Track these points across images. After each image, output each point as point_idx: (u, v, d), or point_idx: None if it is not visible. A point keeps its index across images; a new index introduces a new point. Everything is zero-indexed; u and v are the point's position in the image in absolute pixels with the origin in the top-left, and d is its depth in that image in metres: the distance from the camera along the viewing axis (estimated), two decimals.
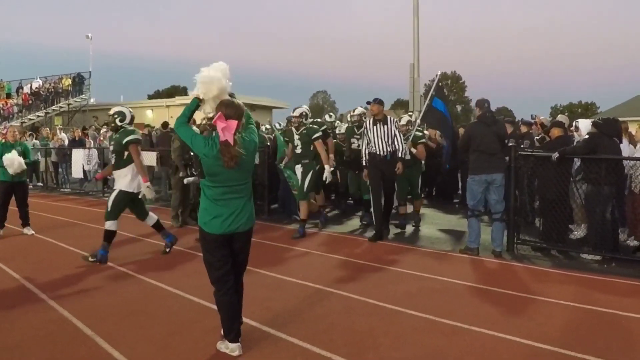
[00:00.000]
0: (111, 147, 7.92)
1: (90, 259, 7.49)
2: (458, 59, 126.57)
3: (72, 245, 8.34)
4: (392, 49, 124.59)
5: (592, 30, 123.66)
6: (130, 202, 7.75)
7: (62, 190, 18.65)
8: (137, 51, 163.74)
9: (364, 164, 9.41)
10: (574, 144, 8.87)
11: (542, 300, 5.93)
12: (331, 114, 14.65)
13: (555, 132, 8.83)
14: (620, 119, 9.06)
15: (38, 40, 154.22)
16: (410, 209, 10.64)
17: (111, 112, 7.97)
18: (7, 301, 6.06)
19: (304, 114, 9.63)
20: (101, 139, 18.46)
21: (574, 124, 10.92)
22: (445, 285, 6.56)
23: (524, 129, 11.83)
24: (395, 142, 9.15)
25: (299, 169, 9.69)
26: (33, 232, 9.89)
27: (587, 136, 8.12)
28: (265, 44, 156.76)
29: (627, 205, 8.47)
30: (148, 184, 7.64)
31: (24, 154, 9.85)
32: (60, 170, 18.92)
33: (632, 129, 10.16)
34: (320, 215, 10.64)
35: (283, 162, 10.59)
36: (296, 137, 9.68)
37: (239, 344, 4.45)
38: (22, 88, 37.33)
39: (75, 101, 37.72)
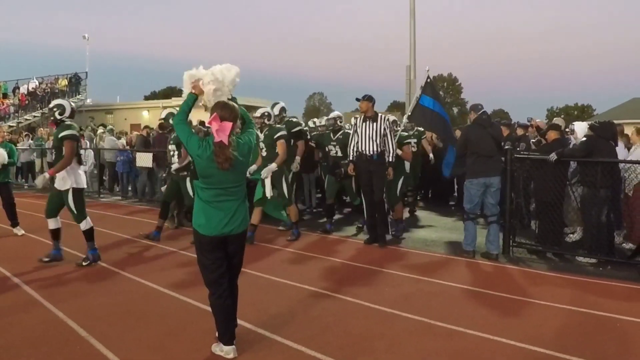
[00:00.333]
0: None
1: (83, 263, 7.47)
2: (454, 61, 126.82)
3: (66, 245, 8.28)
4: (388, 51, 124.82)
5: (588, 32, 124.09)
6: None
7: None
8: (133, 52, 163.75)
9: (350, 159, 9.09)
10: (571, 146, 8.89)
11: (538, 303, 5.93)
12: (315, 120, 13.55)
13: (552, 134, 8.83)
14: (616, 121, 9.09)
15: (35, 40, 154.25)
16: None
17: (51, 104, 8.03)
18: (2, 302, 6.03)
19: (265, 114, 9.21)
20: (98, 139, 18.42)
21: (569, 126, 10.95)
22: (441, 288, 6.55)
23: (520, 131, 11.84)
24: (386, 142, 8.78)
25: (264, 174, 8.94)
26: (23, 232, 9.87)
27: (584, 139, 8.13)
28: (262, 45, 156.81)
29: (623, 208, 8.50)
30: (47, 175, 7.48)
31: (9, 154, 9.87)
32: None
33: (628, 131, 10.16)
34: (294, 229, 9.58)
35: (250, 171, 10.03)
36: (260, 139, 9.11)
37: (233, 346, 4.44)
38: (19, 88, 37.24)
39: (72, 101, 37.45)
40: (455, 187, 14.08)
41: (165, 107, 34.85)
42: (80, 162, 7.71)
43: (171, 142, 9.37)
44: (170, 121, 8.41)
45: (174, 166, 9.31)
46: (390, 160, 8.79)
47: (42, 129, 24.16)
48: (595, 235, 7.69)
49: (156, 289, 6.48)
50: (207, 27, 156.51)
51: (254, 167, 9.00)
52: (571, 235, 8.92)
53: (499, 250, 8.01)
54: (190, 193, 8.72)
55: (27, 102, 35.37)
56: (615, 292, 6.41)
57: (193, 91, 4.52)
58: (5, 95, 37.28)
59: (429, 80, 10.19)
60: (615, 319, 5.43)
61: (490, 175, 7.90)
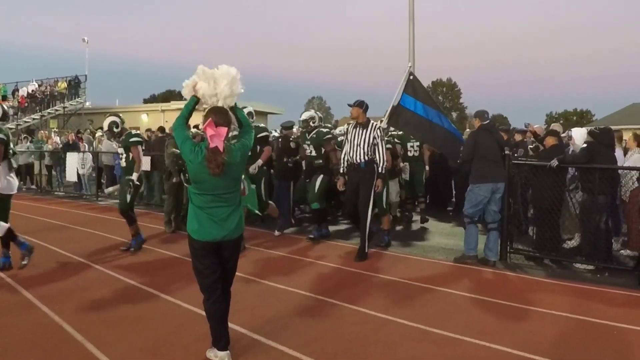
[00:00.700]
0: None
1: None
2: (453, 66, 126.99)
3: (64, 249, 8.30)
4: (387, 55, 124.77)
5: (587, 37, 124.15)
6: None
7: (55, 193, 18.60)
8: (133, 55, 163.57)
9: (341, 171, 8.82)
10: (569, 152, 8.88)
11: (535, 310, 5.91)
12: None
13: (550, 140, 8.82)
14: (615, 126, 9.11)
15: (34, 42, 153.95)
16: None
17: None
18: None
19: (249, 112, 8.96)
20: (97, 142, 18.44)
21: (567, 132, 10.95)
22: (438, 294, 6.54)
23: (518, 137, 11.85)
24: (376, 151, 8.33)
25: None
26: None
27: (584, 145, 8.12)
28: (261, 49, 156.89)
29: (624, 215, 8.49)
30: None
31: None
32: (54, 173, 18.86)
33: (627, 137, 10.15)
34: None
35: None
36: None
37: (228, 351, 4.43)
38: (18, 90, 37.24)
39: (71, 104, 37.68)
40: (453, 192, 14.04)
41: (164, 111, 34.97)
42: (10, 168, 7.49)
43: (120, 145, 8.94)
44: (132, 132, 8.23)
45: (134, 176, 8.66)
46: (380, 171, 8.35)
47: (41, 131, 24.16)
48: (593, 241, 7.67)
49: (152, 293, 6.47)
50: (206, 31, 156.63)
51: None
52: (569, 241, 8.91)
53: (497, 258, 8.00)
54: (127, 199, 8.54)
55: (26, 104, 35.36)
56: (612, 299, 6.40)
57: (195, 94, 4.54)
58: (4, 98, 37.23)
59: (411, 77, 9.53)
60: (613, 327, 5.41)
61: (498, 180, 7.89)
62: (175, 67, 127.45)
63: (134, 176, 8.49)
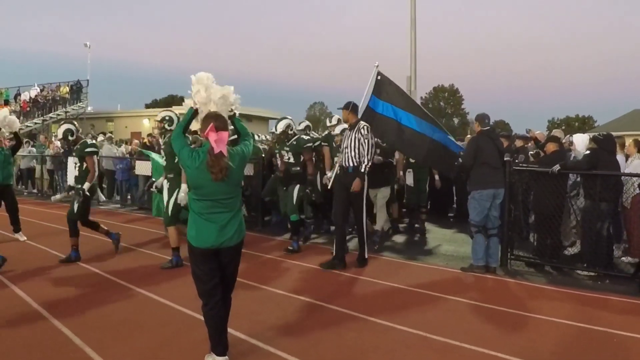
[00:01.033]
0: None
1: None
2: (455, 72, 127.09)
3: (64, 253, 8.28)
4: (389, 61, 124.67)
5: (589, 43, 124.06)
6: None
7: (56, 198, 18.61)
8: (135, 60, 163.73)
9: (329, 173, 8.76)
10: (571, 159, 8.87)
11: (535, 317, 5.89)
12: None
13: (551, 147, 8.80)
14: (617, 133, 9.08)
15: (37, 47, 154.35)
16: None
17: None
18: None
19: (166, 118, 8.45)
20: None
21: (567, 138, 10.93)
22: (437, 301, 6.52)
23: (519, 143, 11.82)
24: (360, 152, 8.04)
25: (165, 185, 8.33)
26: (25, 237, 9.89)
27: (588, 152, 8.11)
28: (263, 54, 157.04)
29: (625, 221, 8.47)
30: None
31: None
32: (55, 177, 18.87)
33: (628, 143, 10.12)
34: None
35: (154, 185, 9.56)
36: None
37: (226, 357, 4.41)
38: (20, 95, 37.32)
39: (73, 109, 37.78)
40: (454, 198, 14.02)
41: None
42: None
43: (74, 154, 8.74)
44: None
45: (86, 185, 8.36)
46: (362, 171, 8.04)
47: (43, 135, 24.18)
48: (594, 248, 7.65)
49: (151, 298, 6.46)
50: (208, 36, 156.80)
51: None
52: (569, 248, 8.88)
53: (498, 264, 7.97)
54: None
55: (28, 109, 35.44)
56: (613, 307, 6.38)
57: (193, 106, 4.64)
58: (6, 102, 37.36)
59: (379, 77, 9.07)
60: (613, 334, 5.39)
61: (498, 186, 7.84)
62: (177, 72, 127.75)
63: (86, 186, 8.33)
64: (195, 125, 4.93)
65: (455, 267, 8.20)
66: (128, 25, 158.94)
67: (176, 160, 7.64)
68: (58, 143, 20.16)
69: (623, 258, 8.46)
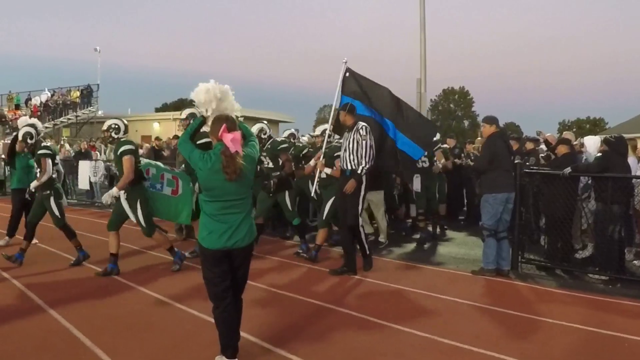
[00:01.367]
0: None
1: None
2: (465, 74, 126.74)
3: (74, 255, 8.32)
4: (399, 63, 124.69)
5: (601, 44, 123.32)
6: None
7: (68, 201, 18.70)
8: (145, 64, 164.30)
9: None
10: (582, 161, 8.83)
11: (545, 321, 5.85)
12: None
13: (562, 149, 8.76)
14: (629, 135, 9.02)
15: (47, 52, 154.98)
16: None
17: None
18: (8, 310, 6.07)
19: (113, 126, 7.96)
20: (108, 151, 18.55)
21: (578, 140, 10.87)
22: (447, 304, 6.50)
23: (529, 145, 11.76)
24: (359, 155, 7.65)
25: (122, 194, 7.72)
26: (36, 241, 9.92)
27: (599, 154, 8.06)
28: (272, 58, 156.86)
29: (637, 224, 8.42)
30: None
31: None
32: (66, 181, 18.98)
33: None
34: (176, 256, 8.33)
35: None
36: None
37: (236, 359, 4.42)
38: (31, 99, 37.55)
39: (83, 113, 38.03)
40: (465, 201, 13.98)
41: (175, 119, 35.12)
42: None
43: (34, 158, 8.63)
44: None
45: (33, 184, 8.39)
46: (359, 172, 7.65)
47: (54, 140, 24.35)
48: (605, 252, 7.60)
49: (162, 300, 6.49)
50: (217, 40, 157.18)
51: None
52: (581, 251, 8.83)
53: (509, 267, 7.93)
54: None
55: (39, 113, 35.65)
56: (625, 311, 6.33)
57: (202, 115, 4.77)
58: (17, 107, 37.60)
59: (347, 74, 8.67)
60: (624, 339, 5.34)
61: (511, 190, 7.77)
62: (187, 75, 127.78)
63: (33, 184, 8.32)
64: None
65: (465, 270, 8.17)
66: (137, 30, 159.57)
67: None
68: (67, 146, 20.35)
69: (635, 261, 8.39)
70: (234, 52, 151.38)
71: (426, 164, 10.42)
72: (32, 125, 8.96)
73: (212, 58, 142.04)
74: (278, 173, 8.90)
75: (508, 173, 7.82)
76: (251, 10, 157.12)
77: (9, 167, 9.05)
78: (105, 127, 8.05)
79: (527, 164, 9.88)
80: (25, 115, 32.56)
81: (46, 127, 34.91)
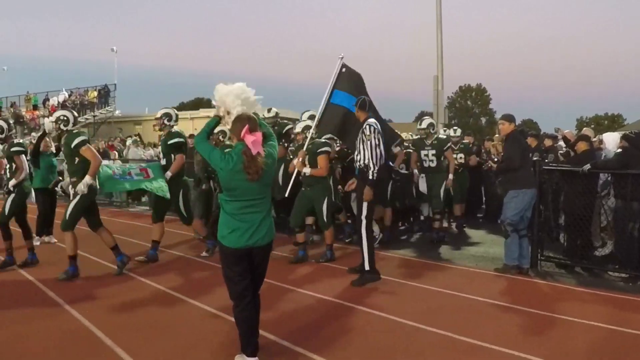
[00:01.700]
0: None
1: None
2: (482, 71, 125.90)
3: (94, 254, 8.39)
4: (415, 61, 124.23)
5: (618, 39, 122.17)
6: None
7: None
8: (161, 64, 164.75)
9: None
10: (602, 158, 8.75)
11: (565, 319, 5.82)
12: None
13: (581, 146, 8.69)
14: None
15: (64, 53, 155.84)
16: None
17: None
18: (29, 309, 6.13)
19: (62, 117, 7.70)
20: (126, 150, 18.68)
21: (597, 137, 10.79)
22: (467, 302, 6.48)
23: (548, 142, 11.68)
24: (365, 156, 7.16)
25: (70, 189, 7.59)
26: (55, 240, 10.02)
27: (619, 150, 8.00)
28: (290, 57, 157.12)
29: None
30: None
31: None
32: None
33: None
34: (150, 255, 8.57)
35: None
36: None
37: (256, 358, 4.43)
38: (49, 100, 37.83)
39: (101, 113, 38.28)
40: (483, 199, 13.90)
41: (193, 118, 35.30)
42: None
43: (5, 154, 8.47)
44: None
45: (12, 183, 8.12)
46: (369, 178, 7.10)
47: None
48: (625, 249, 7.54)
49: (182, 299, 6.52)
50: (234, 39, 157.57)
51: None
52: (600, 249, 8.76)
53: (529, 264, 7.89)
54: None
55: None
56: None
57: (218, 115, 4.70)
58: (35, 107, 37.90)
59: (343, 70, 8.45)
60: None
61: (535, 186, 7.78)
62: (203, 75, 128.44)
63: (11, 183, 8.09)
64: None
65: (484, 268, 8.14)
66: (153, 30, 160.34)
67: (77, 161, 7.41)
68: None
69: None
70: (252, 51, 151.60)
71: (433, 164, 9.97)
72: (6, 120, 8.60)
73: (229, 57, 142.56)
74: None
75: (530, 169, 7.80)
76: (269, 10, 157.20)
77: (32, 166, 9.01)
78: (53, 118, 7.92)
79: (546, 161, 9.81)
80: (44, 116, 33.04)
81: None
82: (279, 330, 5.33)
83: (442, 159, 10.01)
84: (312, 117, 9.29)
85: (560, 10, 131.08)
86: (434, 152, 9.93)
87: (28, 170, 8.36)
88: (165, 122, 8.55)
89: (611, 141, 9.45)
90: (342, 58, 8.57)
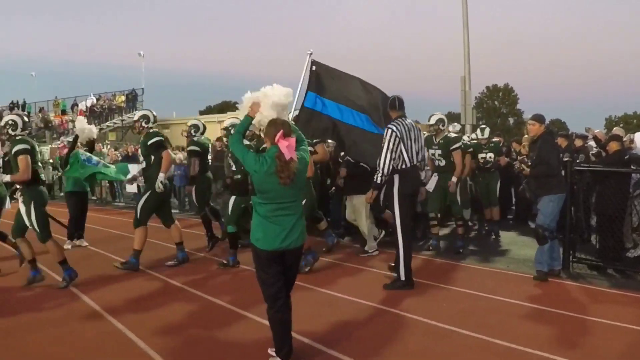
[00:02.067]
0: None
1: None
2: (509, 70, 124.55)
3: (125, 258, 8.47)
4: (441, 62, 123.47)
5: None
6: None
7: (115, 204, 19.13)
8: (188, 68, 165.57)
9: None
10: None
11: (599, 321, 5.75)
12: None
13: (613, 145, 8.58)
14: None
15: (92, 58, 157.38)
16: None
17: None
18: (61, 312, 6.23)
19: (10, 122, 7.36)
20: None
21: (628, 136, 10.66)
22: (499, 305, 6.44)
23: (578, 142, 11.57)
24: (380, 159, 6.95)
25: (20, 197, 7.18)
26: (87, 243, 10.15)
27: None
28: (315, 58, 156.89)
29: None
30: None
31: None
32: (114, 184, 19.34)
33: None
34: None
35: None
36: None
37: None
38: (77, 105, 38.34)
39: (129, 117, 38.65)
40: (513, 200, 13.75)
41: (220, 122, 35.46)
42: None
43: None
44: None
45: (6, 178, 7.31)
46: (376, 181, 7.05)
47: (99, 144, 24.79)
48: None
49: (215, 303, 6.57)
50: (262, 42, 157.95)
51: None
52: (632, 250, 8.65)
53: (561, 266, 7.80)
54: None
55: (85, 118, 36.36)
56: None
57: (250, 114, 4.72)
58: (64, 112, 38.44)
59: (313, 68, 7.99)
60: None
61: (566, 189, 7.67)
62: (230, 78, 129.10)
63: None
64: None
65: (515, 270, 8.07)
66: (180, 34, 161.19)
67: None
68: (113, 150, 20.74)
69: None
70: (279, 54, 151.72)
71: (442, 163, 9.34)
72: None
73: (256, 59, 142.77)
74: (239, 176, 8.34)
75: (562, 173, 7.71)
76: (295, 12, 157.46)
77: (61, 169, 9.13)
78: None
79: (577, 161, 9.72)
80: (73, 120, 33.46)
81: None
82: (312, 333, 5.35)
83: (451, 159, 9.25)
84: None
85: (587, 6, 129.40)
86: (440, 152, 9.31)
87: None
88: (143, 124, 8.46)
89: None
90: (310, 54, 8.11)
